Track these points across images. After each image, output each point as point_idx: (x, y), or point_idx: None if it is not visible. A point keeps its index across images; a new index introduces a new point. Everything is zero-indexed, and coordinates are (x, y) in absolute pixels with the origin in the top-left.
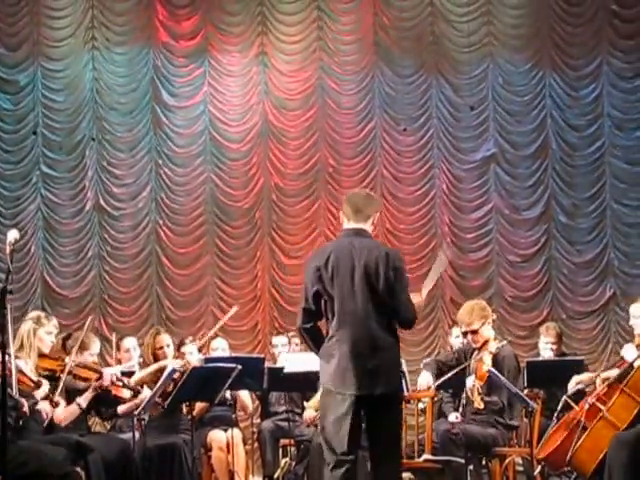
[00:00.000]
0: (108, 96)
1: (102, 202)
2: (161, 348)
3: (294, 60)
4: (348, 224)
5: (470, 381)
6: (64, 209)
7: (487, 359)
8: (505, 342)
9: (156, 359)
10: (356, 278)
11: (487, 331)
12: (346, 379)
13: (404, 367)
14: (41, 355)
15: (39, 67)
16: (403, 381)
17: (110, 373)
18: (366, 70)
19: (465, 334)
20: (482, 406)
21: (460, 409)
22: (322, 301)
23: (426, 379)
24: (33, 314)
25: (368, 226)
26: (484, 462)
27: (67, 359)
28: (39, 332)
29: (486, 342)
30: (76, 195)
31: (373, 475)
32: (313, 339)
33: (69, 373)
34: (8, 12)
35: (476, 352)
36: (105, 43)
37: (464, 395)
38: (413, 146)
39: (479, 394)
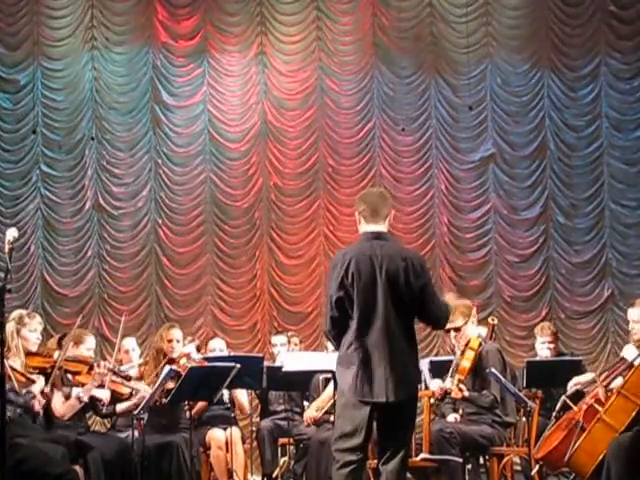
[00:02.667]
0: (108, 95)
1: (102, 201)
2: (170, 341)
3: (293, 60)
4: (367, 226)
5: (447, 382)
6: (64, 208)
7: (468, 354)
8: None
9: (163, 351)
10: (378, 286)
11: (471, 330)
12: (365, 387)
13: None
14: (29, 354)
15: (39, 66)
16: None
17: (104, 363)
18: (365, 70)
19: (448, 331)
20: (460, 395)
21: (460, 410)
22: (345, 308)
23: (437, 383)
24: (15, 314)
25: (386, 227)
26: (482, 461)
27: (55, 354)
28: (23, 331)
29: (468, 342)
30: (76, 194)
31: (382, 470)
32: (340, 341)
33: (59, 368)
34: (8, 12)
35: (459, 351)
36: (105, 43)
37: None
38: (412, 146)
39: (457, 386)
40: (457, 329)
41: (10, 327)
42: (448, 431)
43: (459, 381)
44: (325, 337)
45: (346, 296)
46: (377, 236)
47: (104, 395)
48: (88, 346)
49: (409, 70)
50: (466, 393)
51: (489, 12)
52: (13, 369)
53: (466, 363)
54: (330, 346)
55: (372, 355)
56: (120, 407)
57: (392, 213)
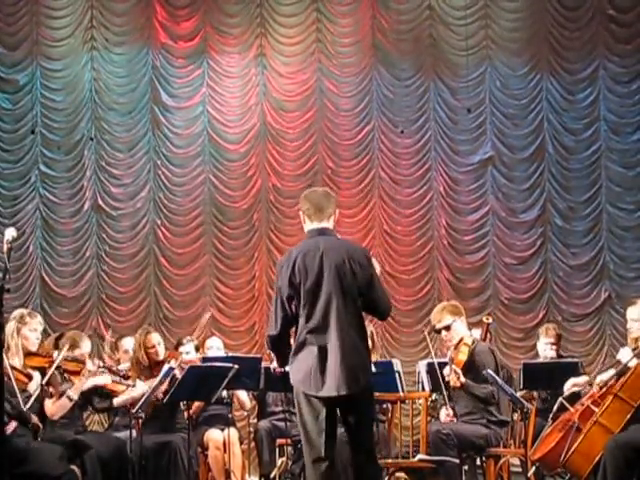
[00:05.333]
0: (107, 96)
1: (100, 202)
2: (152, 347)
3: (293, 62)
4: (311, 224)
5: (446, 371)
6: (62, 209)
7: (463, 349)
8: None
9: (149, 358)
10: (325, 279)
11: (461, 329)
12: (317, 382)
13: (399, 367)
14: (28, 353)
15: (38, 67)
16: (398, 381)
17: (94, 362)
18: (364, 72)
19: (439, 332)
20: (459, 384)
21: (451, 410)
22: (294, 306)
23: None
24: (16, 313)
25: (331, 224)
26: (479, 462)
27: (55, 354)
28: (23, 331)
29: (462, 339)
30: (74, 195)
31: (353, 464)
32: (283, 348)
33: (57, 368)
34: (8, 12)
35: (452, 349)
36: (104, 43)
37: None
38: (411, 148)
39: (456, 374)
40: (447, 327)
41: (11, 326)
42: (445, 432)
43: (455, 372)
44: (268, 341)
45: (295, 293)
46: (321, 232)
47: (105, 380)
48: (84, 350)
49: (408, 72)
50: (463, 379)
51: (488, 15)
52: (13, 368)
53: (462, 357)
54: None
55: (323, 349)
56: (117, 401)
57: (337, 212)
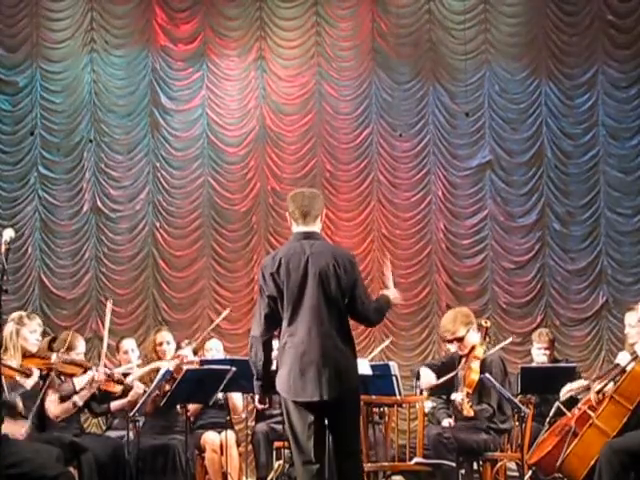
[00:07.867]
0: (106, 98)
1: (99, 204)
2: (161, 344)
3: (292, 65)
4: (297, 228)
5: (458, 396)
6: (61, 210)
7: (475, 365)
8: (492, 349)
9: (156, 355)
10: (308, 284)
11: (472, 337)
12: (297, 386)
13: (396, 371)
14: (27, 355)
15: (38, 68)
16: (395, 385)
17: (102, 371)
18: (363, 76)
19: (450, 342)
20: (472, 414)
21: (453, 416)
22: (277, 308)
23: (427, 377)
24: (15, 314)
25: (317, 227)
26: (475, 466)
27: (53, 357)
28: (22, 332)
29: (473, 348)
30: (73, 197)
31: (337, 470)
32: (266, 349)
33: (55, 371)
34: (7, 13)
35: (463, 359)
36: (104, 45)
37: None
38: (409, 152)
39: (468, 403)
40: (460, 339)
41: (9, 327)
42: (446, 436)
43: (467, 395)
44: (252, 342)
45: (278, 295)
46: (306, 236)
47: (115, 388)
48: (79, 351)
49: (407, 76)
50: (472, 411)
51: (487, 19)
52: (5, 365)
53: (474, 376)
54: None
55: (304, 353)
56: (114, 405)
57: (324, 212)
